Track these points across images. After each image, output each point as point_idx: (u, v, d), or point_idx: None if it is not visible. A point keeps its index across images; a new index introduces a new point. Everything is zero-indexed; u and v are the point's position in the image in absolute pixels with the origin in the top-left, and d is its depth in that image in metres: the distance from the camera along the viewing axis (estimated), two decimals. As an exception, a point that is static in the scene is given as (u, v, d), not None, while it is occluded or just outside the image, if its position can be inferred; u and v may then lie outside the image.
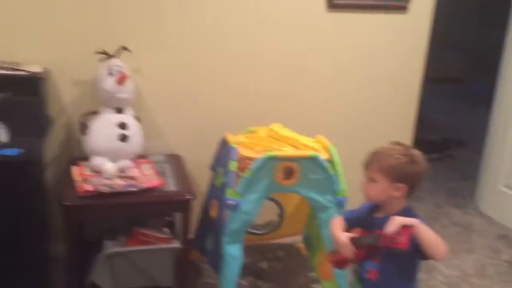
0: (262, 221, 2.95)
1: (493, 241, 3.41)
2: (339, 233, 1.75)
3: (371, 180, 1.70)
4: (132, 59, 2.61)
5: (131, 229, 2.51)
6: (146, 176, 2.48)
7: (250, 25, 2.88)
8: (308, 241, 2.85)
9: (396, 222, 1.54)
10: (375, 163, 1.69)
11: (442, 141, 5.74)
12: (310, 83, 3.08)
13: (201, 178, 2.90)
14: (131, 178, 2.42)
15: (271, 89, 3.01)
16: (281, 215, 2.93)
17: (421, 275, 2.87)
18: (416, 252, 1.58)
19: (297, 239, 3.12)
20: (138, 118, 2.61)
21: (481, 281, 2.90)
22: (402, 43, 3.16)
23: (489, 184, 3.83)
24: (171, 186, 2.49)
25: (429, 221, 3.61)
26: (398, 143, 1.73)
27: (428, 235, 1.55)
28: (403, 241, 1.52)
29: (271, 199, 2.81)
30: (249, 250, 3.02)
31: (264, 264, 2.95)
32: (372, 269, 1.71)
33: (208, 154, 2.75)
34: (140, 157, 2.63)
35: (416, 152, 1.70)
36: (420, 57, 3.23)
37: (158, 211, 2.55)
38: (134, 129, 2.53)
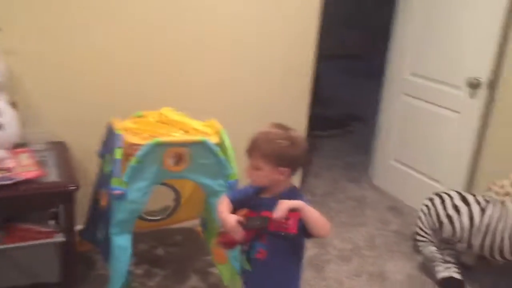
0: (158, 206, 2.87)
1: (384, 212, 3.61)
2: (227, 215, 1.73)
3: (255, 167, 1.69)
4: (5, 39, 2.37)
5: (9, 224, 2.33)
6: (24, 167, 2.29)
7: (136, 5, 2.73)
8: (204, 225, 2.83)
9: (283, 207, 1.55)
10: (257, 150, 1.67)
11: (343, 117, 5.94)
12: (202, 65, 3.01)
13: (90, 165, 2.76)
14: (7, 169, 2.22)
15: (162, 72, 2.90)
16: (177, 199, 2.87)
17: (315, 250, 2.99)
18: (302, 232, 1.61)
19: (196, 223, 3.09)
20: (13, 104, 2.40)
21: (371, 252, 3.06)
22: (294, 23, 3.18)
23: (381, 158, 4.02)
24: (53, 176, 2.33)
25: (326, 196, 3.80)
26: (278, 126, 1.72)
27: (313, 216, 1.58)
28: (291, 226, 1.54)
29: (166, 184, 2.74)
30: (145, 237, 2.96)
31: (160, 251, 2.88)
32: (260, 249, 1.72)
33: (96, 140, 2.61)
34: (17, 146, 2.42)
35: (296, 134, 1.70)
36: (312, 36, 3.27)
37: (38, 204, 2.37)
38: (8, 116, 2.32)
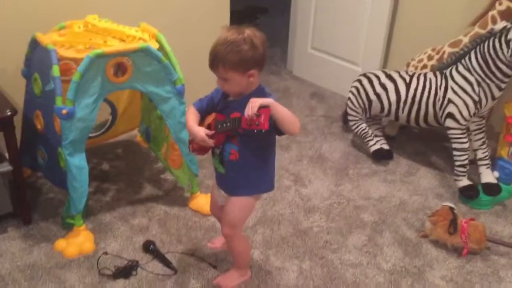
0: (95, 122, 2.76)
1: (308, 100, 3.79)
2: (195, 128, 1.73)
3: (224, 79, 1.67)
4: None
5: None
6: None
7: None
8: (147, 134, 2.79)
9: (254, 104, 1.56)
10: (220, 63, 1.63)
11: (246, 9, 5.87)
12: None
13: (14, 88, 2.54)
14: None
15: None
16: (113, 113, 2.78)
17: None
18: (273, 129, 1.66)
19: (132, 134, 3.04)
20: None
21: (306, 138, 3.25)
22: None
23: (298, 48, 4.12)
24: (-18, 104, 2.13)
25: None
26: (231, 29, 1.65)
27: (283, 112, 1.62)
28: (262, 122, 1.56)
29: (101, 98, 2.62)
30: (86, 154, 2.86)
31: (105, 166, 2.83)
32: (232, 150, 1.75)
33: (16, 59, 2.38)
34: None
35: (252, 33, 1.64)
36: None
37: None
38: None
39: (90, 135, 2.74)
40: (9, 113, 2.10)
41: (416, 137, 3.27)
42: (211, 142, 1.72)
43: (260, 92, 1.72)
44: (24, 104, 2.46)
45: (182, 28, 3.09)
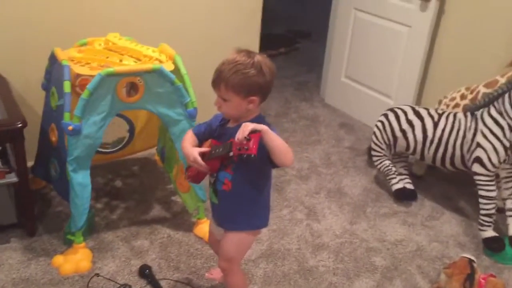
0: (112, 138, 2.77)
1: (336, 130, 3.67)
2: (189, 149, 1.69)
3: (223, 99, 1.62)
4: None
5: (-46, 168, 2.18)
6: (-38, 106, 2.11)
7: None
8: (162, 154, 2.76)
9: (245, 128, 1.50)
10: (222, 82, 1.58)
11: (287, 34, 5.83)
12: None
13: (35, 100, 2.59)
14: None
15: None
16: (131, 130, 2.77)
17: (274, 172, 3.01)
18: (266, 160, 1.58)
19: (151, 153, 3.02)
20: None
21: (328, 170, 3.14)
22: None
23: (331, 76, 4.02)
24: (-4, 114, 2.17)
25: (280, 117, 3.80)
26: (242, 52, 1.62)
27: (276, 141, 1.54)
28: (251, 146, 1.48)
29: (119, 115, 2.62)
30: (100, 170, 2.88)
31: (118, 183, 2.82)
32: (226, 180, 1.69)
33: (38, 72, 2.43)
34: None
35: (262, 59, 1.61)
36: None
37: (-16, 144, 2.23)
38: None
39: (107, 150, 2.78)
40: (19, 125, 2.12)
41: (446, 179, 3.09)
42: (204, 164, 1.65)
43: (259, 121, 1.64)
44: (42, 116, 2.49)
45: (206, 51, 3.06)
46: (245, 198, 1.72)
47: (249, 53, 1.60)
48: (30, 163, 2.56)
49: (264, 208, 1.80)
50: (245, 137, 1.48)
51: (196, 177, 1.76)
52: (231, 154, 1.54)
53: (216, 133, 1.74)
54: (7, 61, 2.53)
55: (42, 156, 2.55)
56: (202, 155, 1.66)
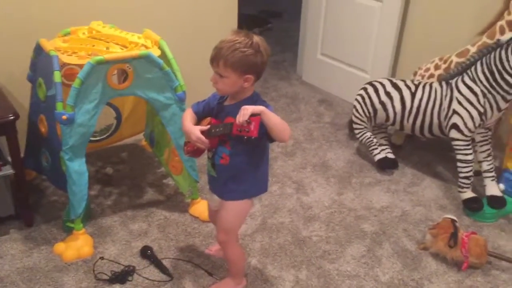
0: (98, 126, 2.79)
1: (316, 106, 3.77)
2: (191, 127, 1.76)
3: (220, 75, 1.69)
4: None
5: None
6: (-49, 102, 2.11)
7: None
8: (151, 139, 2.81)
9: (245, 112, 1.58)
10: (221, 59, 1.65)
11: (259, 14, 5.87)
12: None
13: (20, 92, 2.59)
14: None
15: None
16: (118, 117, 2.80)
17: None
18: (265, 136, 1.67)
19: (137, 139, 3.06)
20: None
21: (311, 145, 3.24)
22: None
23: (307, 53, 4.11)
24: (-14, 108, 2.18)
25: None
26: (240, 33, 1.70)
27: (274, 120, 1.63)
28: (252, 129, 1.58)
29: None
30: (90, 158, 2.89)
31: (109, 170, 2.85)
32: (223, 154, 1.77)
33: (22, 63, 2.43)
34: None
35: (259, 40, 1.69)
36: None
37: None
38: None
39: (95, 138, 2.81)
40: (11, 117, 2.14)
41: (423, 147, 3.23)
42: (207, 142, 1.73)
43: (256, 99, 1.73)
44: (30, 108, 2.50)
45: (188, 34, 3.10)
46: (243, 170, 1.80)
47: (247, 34, 1.68)
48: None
49: (263, 178, 1.89)
50: (245, 120, 1.56)
51: (195, 152, 1.84)
52: (231, 134, 1.63)
53: (214, 111, 1.81)
54: (-10, 54, 2.52)
55: (32, 148, 2.57)
56: (203, 133, 1.73)
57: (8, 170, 2.21)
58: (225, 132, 1.68)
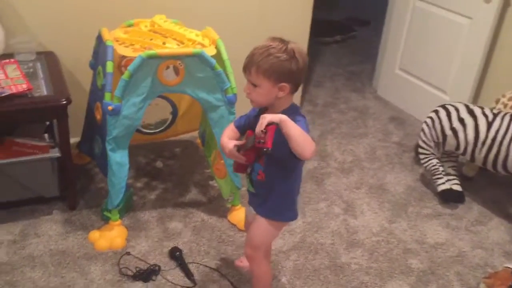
0: (155, 119, 2.80)
1: (386, 123, 3.54)
2: (225, 141, 1.69)
3: (253, 85, 1.58)
4: None
5: (2, 138, 2.27)
6: (12, 80, 2.19)
7: None
8: (203, 138, 2.77)
9: (262, 121, 1.45)
10: (254, 66, 1.54)
11: (344, 21, 5.65)
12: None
13: (82, 76, 2.65)
14: (-6, 83, 2.13)
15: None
16: (173, 113, 2.79)
17: (315, 163, 2.97)
18: (289, 151, 1.53)
19: (194, 135, 3.04)
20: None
21: (372, 164, 3.04)
22: None
23: (385, 67, 3.87)
24: (44, 89, 2.24)
25: (327, 107, 3.71)
26: (276, 39, 1.58)
27: (294, 131, 1.46)
28: (266, 140, 1.43)
29: (163, 97, 2.65)
30: (143, 150, 2.93)
31: (159, 164, 2.86)
32: (259, 171, 1.69)
33: (87, 50, 2.48)
34: (3, 57, 2.30)
35: (296, 46, 1.56)
36: None
37: (29, 119, 2.31)
38: (-10, 26, 2.17)
39: (150, 131, 2.82)
40: (63, 102, 2.18)
41: (499, 182, 2.91)
42: (239, 155, 1.64)
43: (293, 112, 1.60)
44: (89, 94, 2.56)
45: (253, 37, 3.00)
46: (277, 189, 1.70)
47: (282, 40, 1.57)
48: (77, 139, 2.66)
49: (293, 202, 1.77)
50: (261, 130, 1.44)
51: (239, 168, 1.76)
52: (254, 146, 1.51)
53: (254, 124, 1.71)
54: (59, 39, 2.61)
55: (87, 133, 2.62)
56: (239, 147, 1.65)
57: (55, 153, 2.27)
58: (250, 145, 1.56)
